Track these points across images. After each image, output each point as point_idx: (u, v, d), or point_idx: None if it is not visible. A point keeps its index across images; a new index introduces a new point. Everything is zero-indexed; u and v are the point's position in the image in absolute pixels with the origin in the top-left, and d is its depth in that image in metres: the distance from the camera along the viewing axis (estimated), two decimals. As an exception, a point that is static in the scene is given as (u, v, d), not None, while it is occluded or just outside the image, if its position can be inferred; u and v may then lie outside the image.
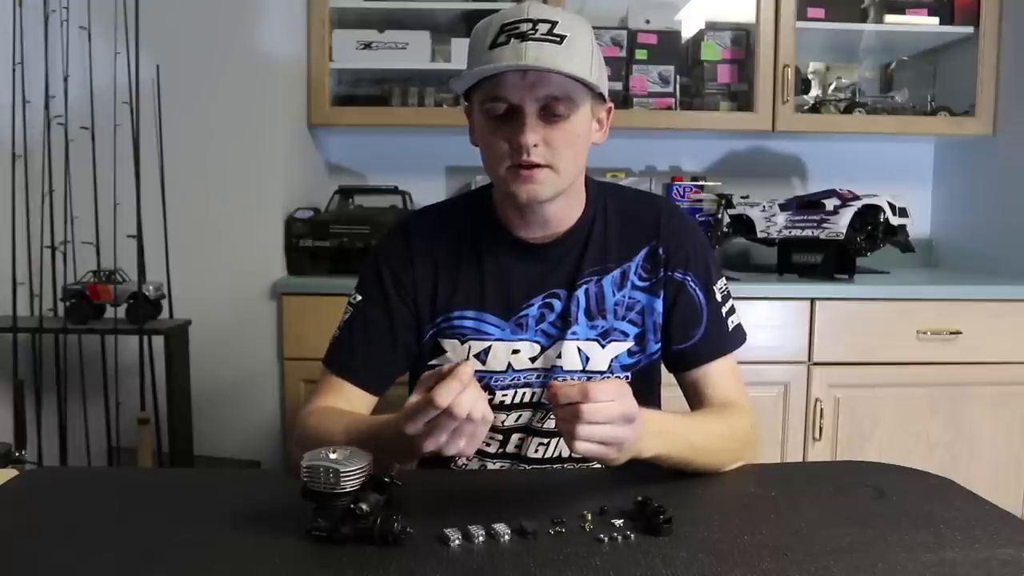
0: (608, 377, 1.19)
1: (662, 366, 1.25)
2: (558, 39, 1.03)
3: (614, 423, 0.89)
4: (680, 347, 1.20)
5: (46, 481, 1.13)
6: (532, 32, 1.02)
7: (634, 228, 1.21)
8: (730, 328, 1.22)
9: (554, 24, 1.03)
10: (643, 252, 1.20)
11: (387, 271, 1.19)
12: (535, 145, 1.05)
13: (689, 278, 1.20)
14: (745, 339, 1.24)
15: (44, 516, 0.93)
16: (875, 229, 2.19)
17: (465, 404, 0.85)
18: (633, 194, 1.27)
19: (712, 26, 2.55)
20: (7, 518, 0.92)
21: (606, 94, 1.13)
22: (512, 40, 1.02)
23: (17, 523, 0.91)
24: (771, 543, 0.84)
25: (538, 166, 1.07)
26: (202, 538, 0.85)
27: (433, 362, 1.20)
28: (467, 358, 1.18)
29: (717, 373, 1.20)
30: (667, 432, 1.01)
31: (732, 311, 1.23)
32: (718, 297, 1.22)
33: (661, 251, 1.19)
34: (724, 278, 1.24)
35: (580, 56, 1.04)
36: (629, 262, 1.20)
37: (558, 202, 1.13)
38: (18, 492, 1.02)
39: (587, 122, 1.11)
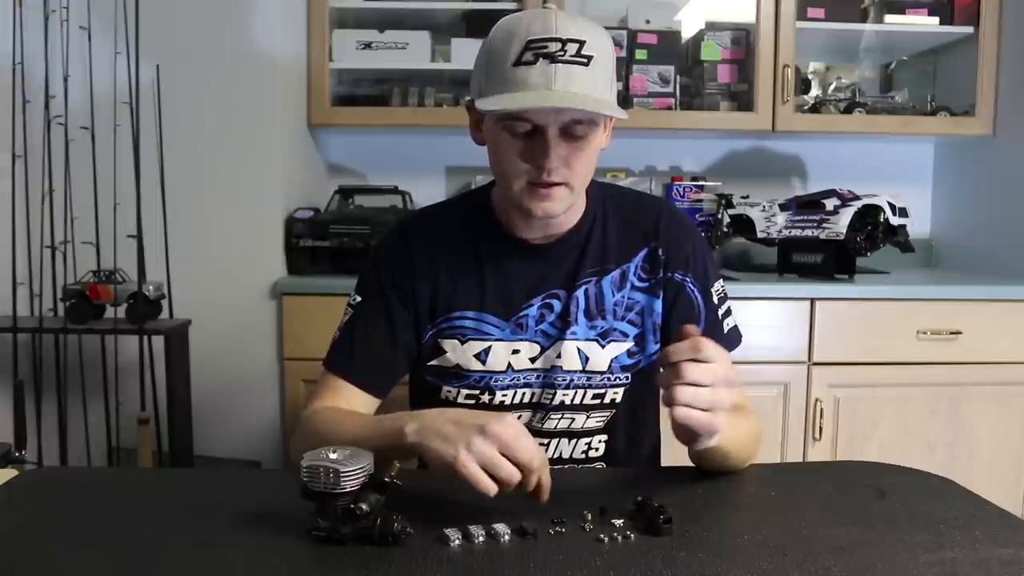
0: (608, 377, 1.19)
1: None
2: (585, 60, 1.01)
3: (716, 386, 0.89)
4: None
5: (46, 481, 1.13)
6: (561, 53, 1.00)
7: (634, 229, 1.21)
8: (726, 330, 1.22)
9: (582, 44, 1.01)
10: (643, 253, 1.20)
11: (386, 272, 1.19)
12: (556, 167, 1.05)
13: (688, 280, 1.20)
14: (741, 340, 1.24)
15: (44, 516, 0.93)
16: (875, 229, 2.19)
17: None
18: (633, 195, 1.28)
19: (712, 26, 2.55)
20: (7, 518, 0.92)
21: (623, 116, 1.10)
22: (540, 61, 1.00)
23: (17, 523, 0.90)
24: (771, 543, 0.84)
25: (556, 184, 1.07)
26: (202, 538, 0.85)
27: (433, 363, 1.20)
28: (467, 357, 1.18)
29: None
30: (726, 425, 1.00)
31: (728, 313, 1.24)
32: (715, 299, 1.22)
33: (661, 252, 1.20)
34: (721, 279, 1.25)
35: (604, 77, 1.04)
36: (628, 263, 1.20)
37: None
38: (18, 492, 1.02)
39: (601, 138, 1.11)
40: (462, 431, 0.88)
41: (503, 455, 0.86)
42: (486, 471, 0.85)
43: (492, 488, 0.85)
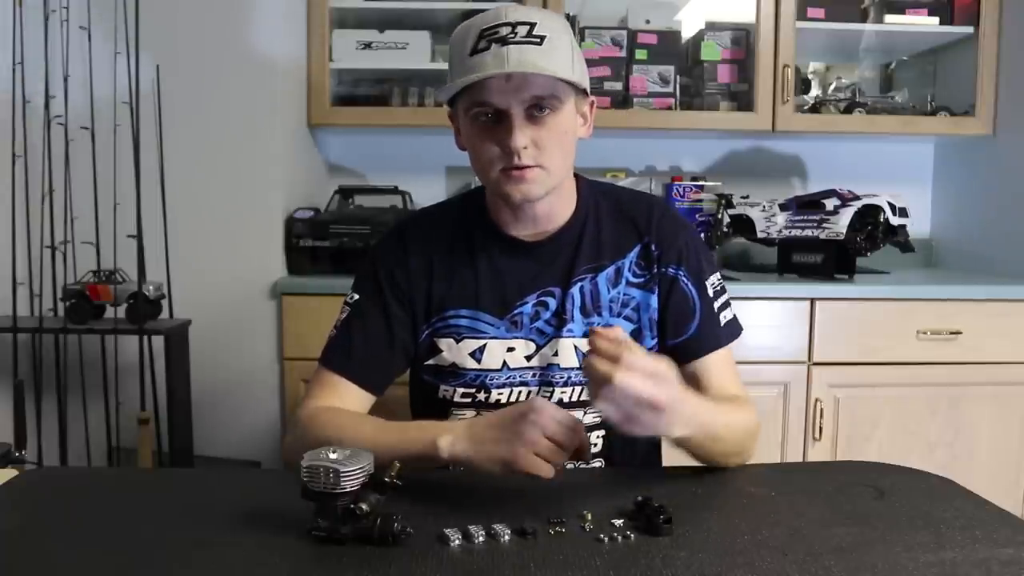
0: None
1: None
2: (538, 40, 1.04)
3: (642, 409, 0.90)
4: (675, 341, 1.21)
5: (46, 481, 1.13)
6: (512, 36, 1.03)
7: (626, 226, 1.22)
8: (723, 322, 1.22)
9: (533, 25, 1.04)
10: (636, 249, 1.21)
11: (384, 271, 1.20)
12: (525, 147, 1.06)
13: (681, 273, 1.20)
14: (740, 332, 1.24)
15: (44, 516, 0.93)
16: (875, 229, 2.19)
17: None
18: (625, 193, 1.28)
19: (712, 26, 2.55)
20: (7, 518, 0.92)
21: (588, 89, 1.13)
22: (493, 45, 1.03)
23: (17, 523, 0.91)
24: (771, 543, 0.84)
25: (529, 167, 1.08)
26: (202, 538, 0.85)
27: (429, 362, 1.21)
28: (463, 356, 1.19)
29: (713, 367, 1.20)
30: (698, 417, 0.99)
31: (726, 305, 1.24)
32: (710, 292, 1.22)
33: (653, 248, 1.20)
34: (718, 273, 1.25)
35: (561, 55, 1.06)
36: (623, 259, 1.20)
37: (549, 199, 1.14)
38: (18, 492, 1.02)
39: (572, 118, 1.12)
40: (505, 429, 0.96)
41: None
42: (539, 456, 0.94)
43: (552, 472, 0.94)
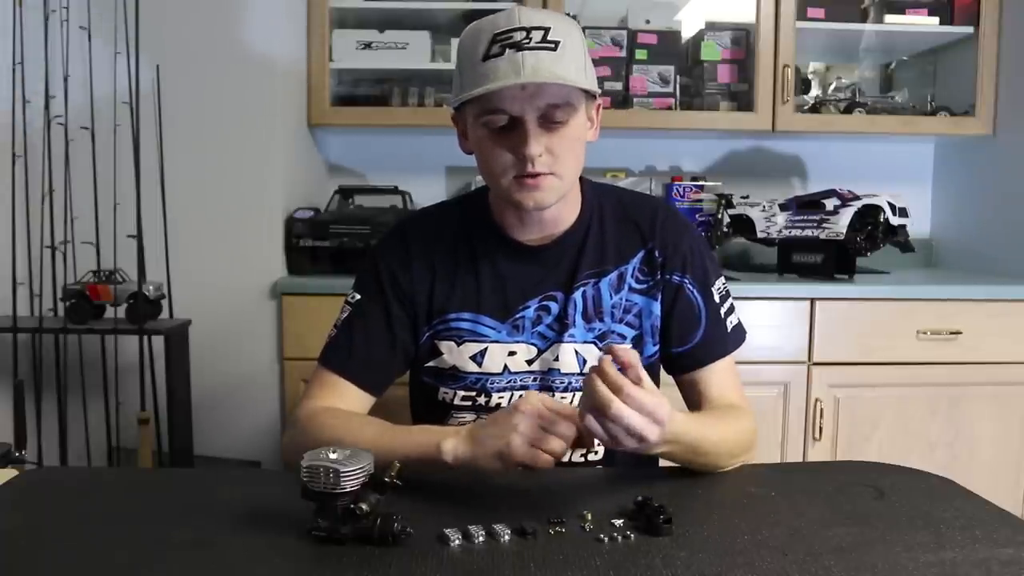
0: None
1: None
2: (553, 45, 1.02)
3: (627, 437, 0.90)
4: (680, 350, 1.20)
5: (46, 481, 1.13)
6: (526, 41, 1.02)
7: (630, 230, 1.21)
8: (729, 328, 1.22)
9: (547, 30, 1.03)
10: (640, 255, 1.20)
11: (385, 272, 1.19)
12: (540, 155, 1.05)
13: (687, 281, 1.20)
14: (745, 338, 1.24)
15: (44, 516, 0.93)
16: (875, 229, 2.19)
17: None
18: (628, 195, 1.27)
19: (712, 26, 2.55)
20: (7, 518, 0.92)
21: (597, 92, 1.12)
22: (507, 51, 1.02)
23: (17, 523, 0.91)
24: (771, 543, 0.84)
25: (543, 174, 1.07)
26: (202, 538, 0.85)
27: (430, 364, 1.20)
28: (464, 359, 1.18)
29: (717, 375, 1.20)
30: (688, 436, 0.99)
31: (731, 310, 1.23)
32: (716, 298, 1.21)
33: (657, 254, 1.19)
34: (722, 277, 1.24)
35: (574, 60, 1.05)
36: (626, 264, 1.20)
37: (557, 204, 1.13)
38: (18, 492, 1.02)
39: (584, 124, 1.11)
40: (502, 424, 0.94)
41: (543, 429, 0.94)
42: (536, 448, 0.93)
43: (550, 462, 0.93)
